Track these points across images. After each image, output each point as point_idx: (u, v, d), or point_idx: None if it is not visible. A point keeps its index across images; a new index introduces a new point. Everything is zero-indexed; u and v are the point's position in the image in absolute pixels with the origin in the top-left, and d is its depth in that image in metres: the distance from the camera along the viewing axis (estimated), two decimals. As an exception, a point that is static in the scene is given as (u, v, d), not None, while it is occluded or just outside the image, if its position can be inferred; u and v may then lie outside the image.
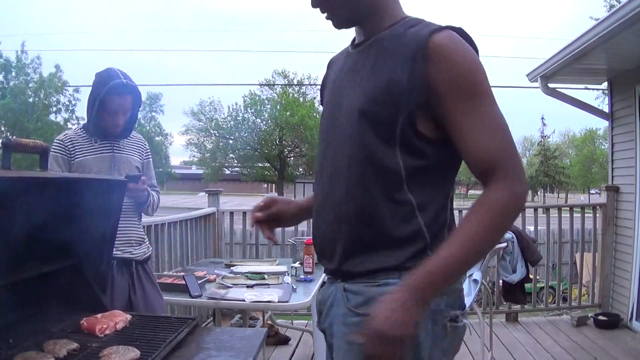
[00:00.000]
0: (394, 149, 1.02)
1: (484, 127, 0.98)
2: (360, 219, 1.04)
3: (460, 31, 1.02)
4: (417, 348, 1.00)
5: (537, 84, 4.52)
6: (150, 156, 2.41)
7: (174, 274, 2.71)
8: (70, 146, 2.15)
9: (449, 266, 0.95)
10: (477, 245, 0.96)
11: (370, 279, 1.04)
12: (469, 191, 43.42)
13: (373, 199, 1.03)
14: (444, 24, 1.03)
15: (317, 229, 1.14)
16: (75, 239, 1.36)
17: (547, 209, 4.80)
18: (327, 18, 1.12)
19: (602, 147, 35.81)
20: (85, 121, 2.24)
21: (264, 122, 28.29)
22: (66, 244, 1.35)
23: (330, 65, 1.26)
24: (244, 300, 2.20)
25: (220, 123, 28.73)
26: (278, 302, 2.19)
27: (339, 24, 1.12)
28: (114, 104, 2.10)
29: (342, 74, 1.13)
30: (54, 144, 2.19)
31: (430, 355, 1.01)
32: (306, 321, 4.23)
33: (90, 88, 2.14)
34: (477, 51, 1.03)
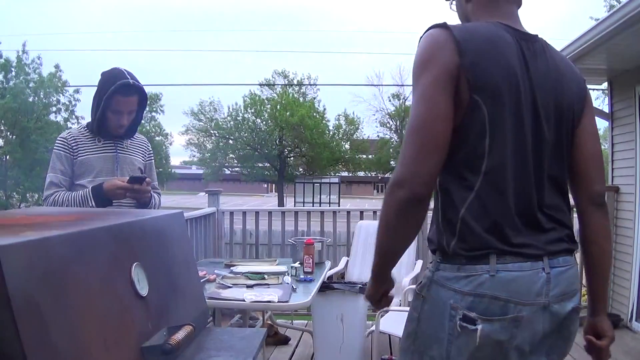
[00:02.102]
0: None
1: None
2: None
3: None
4: (439, 337, 1.09)
5: (537, 84, 4.52)
6: (152, 157, 2.41)
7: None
8: (73, 144, 2.15)
9: (373, 268, 1.19)
10: (380, 246, 1.12)
11: None
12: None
13: None
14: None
15: None
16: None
17: (547, 209, 4.80)
18: None
19: (602, 147, 35.75)
20: (89, 120, 2.23)
21: (264, 122, 28.26)
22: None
23: None
24: (244, 300, 2.19)
25: (220, 123, 28.71)
26: (278, 302, 2.19)
27: None
28: (120, 104, 2.10)
29: None
30: (57, 141, 2.19)
31: (448, 345, 1.07)
32: (306, 321, 4.22)
33: (96, 87, 2.13)
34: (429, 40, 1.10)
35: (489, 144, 1.06)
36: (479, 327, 1.04)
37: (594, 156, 1.22)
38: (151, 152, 2.41)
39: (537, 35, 1.17)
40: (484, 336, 1.04)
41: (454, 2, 1.28)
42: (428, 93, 1.05)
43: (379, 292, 1.22)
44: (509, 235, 1.06)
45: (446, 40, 1.06)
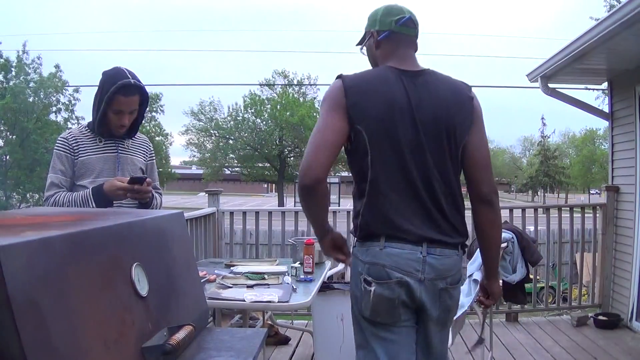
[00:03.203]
0: None
1: None
2: None
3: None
4: (356, 296, 1.57)
5: (537, 84, 4.51)
6: (154, 158, 2.39)
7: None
8: (74, 144, 2.13)
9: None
10: (306, 217, 1.65)
11: None
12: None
13: None
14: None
15: None
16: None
17: (547, 209, 4.80)
18: None
19: (602, 147, 35.78)
20: (90, 119, 2.22)
21: (264, 122, 28.26)
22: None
23: None
24: (244, 300, 2.19)
25: (220, 123, 28.71)
26: (278, 302, 2.19)
27: None
28: (121, 104, 2.08)
29: None
30: (58, 141, 2.17)
31: (361, 300, 1.55)
32: (306, 321, 4.23)
33: (97, 86, 2.12)
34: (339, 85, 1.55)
35: (371, 159, 1.50)
36: (373, 288, 1.50)
37: (479, 164, 1.59)
38: (152, 152, 2.40)
39: (424, 70, 1.59)
40: (377, 295, 1.50)
41: (365, 48, 1.70)
42: (325, 115, 1.51)
43: (326, 242, 1.64)
44: (395, 224, 1.49)
45: (338, 87, 1.53)
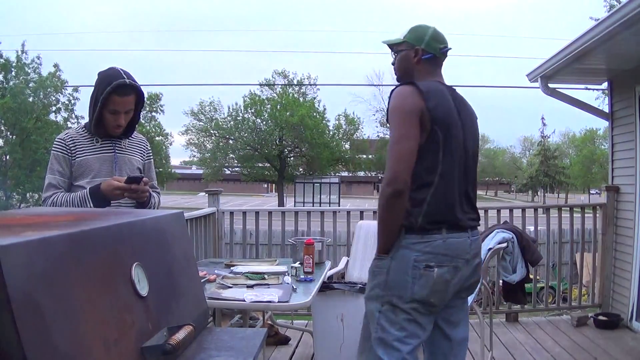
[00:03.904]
0: None
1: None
2: None
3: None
4: (406, 281, 1.72)
5: (537, 84, 4.51)
6: (151, 157, 2.39)
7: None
8: (71, 145, 2.14)
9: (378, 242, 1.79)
10: (380, 222, 1.75)
11: None
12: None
13: None
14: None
15: None
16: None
17: (547, 209, 4.79)
18: None
19: (602, 147, 35.79)
20: (87, 120, 2.22)
21: (264, 122, 28.24)
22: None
23: None
24: (244, 300, 2.19)
25: (220, 123, 28.69)
26: (278, 302, 2.19)
27: None
28: (116, 104, 2.08)
29: None
30: (55, 142, 2.17)
31: (412, 285, 1.71)
32: (306, 321, 4.23)
33: (93, 87, 2.12)
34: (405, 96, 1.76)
35: (442, 156, 1.74)
36: (435, 270, 1.71)
37: (476, 167, 1.96)
38: (150, 151, 2.40)
39: (455, 89, 1.91)
40: (438, 276, 1.71)
41: (398, 57, 1.93)
42: (402, 123, 1.71)
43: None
44: (455, 213, 1.76)
45: (414, 91, 1.74)
